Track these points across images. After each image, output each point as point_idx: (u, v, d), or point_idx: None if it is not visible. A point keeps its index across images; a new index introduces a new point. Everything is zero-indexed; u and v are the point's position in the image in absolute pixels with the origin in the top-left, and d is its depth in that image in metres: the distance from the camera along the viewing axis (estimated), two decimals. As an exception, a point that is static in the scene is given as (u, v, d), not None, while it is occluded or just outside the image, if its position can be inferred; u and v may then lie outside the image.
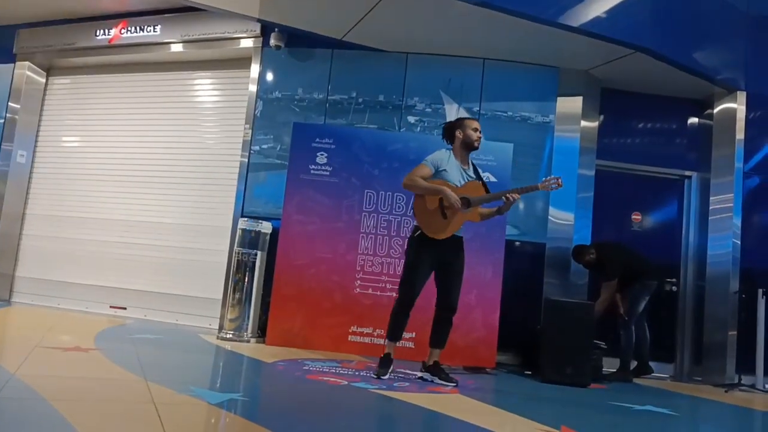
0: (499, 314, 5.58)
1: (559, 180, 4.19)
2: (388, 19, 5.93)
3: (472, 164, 4.41)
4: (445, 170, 4.21)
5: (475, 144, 4.31)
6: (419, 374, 4.38)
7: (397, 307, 4.29)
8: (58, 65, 8.26)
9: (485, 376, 5.15)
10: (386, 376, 4.20)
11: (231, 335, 5.77)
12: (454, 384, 4.19)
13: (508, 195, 4.11)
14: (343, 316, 5.60)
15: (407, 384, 4.07)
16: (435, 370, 4.30)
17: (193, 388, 3.10)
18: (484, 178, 4.46)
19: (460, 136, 4.31)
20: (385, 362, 4.27)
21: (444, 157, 4.26)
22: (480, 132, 4.34)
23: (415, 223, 4.34)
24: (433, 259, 4.24)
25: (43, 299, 7.55)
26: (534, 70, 6.50)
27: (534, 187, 4.28)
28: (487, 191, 4.28)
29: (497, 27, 5.76)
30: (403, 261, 4.46)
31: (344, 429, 2.79)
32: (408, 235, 4.65)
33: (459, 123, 4.38)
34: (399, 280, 4.47)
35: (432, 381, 4.24)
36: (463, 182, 4.25)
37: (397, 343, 4.41)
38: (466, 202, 4.15)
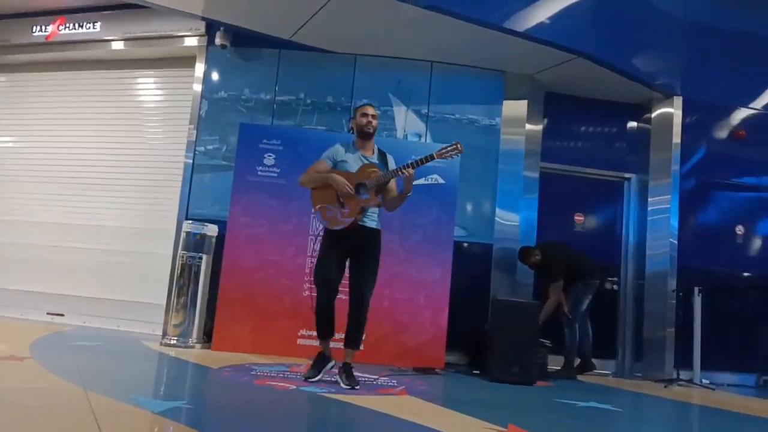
0: (447, 315, 5.62)
1: (459, 145, 4.05)
2: (337, 20, 5.92)
3: (380, 151, 4.27)
4: (343, 161, 4.12)
5: (365, 129, 4.17)
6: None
7: (316, 307, 4.10)
8: (-8, 62, 7.93)
9: (434, 376, 5.17)
10: (315, 378, 4.05)
11: (175, 341, 5.63)
12: (349, 388, 3.91)
13: (402, 171, 3.97)
14: (291, 319, 5.53)
15: (357, 387, 4.05)
16: (342, 370, 4.08)
17: (135, 397, 3.01)
18: (390, 162, 4.23)
19: (354, 125, 4.27)
20: (317, 362, 4.14)
21: (340, 149, 4.17)
22: (371, 116, 4.18)
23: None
24: (342, 252, 4.09)
25: (-26, 306, 7.21)
26: (481, 73, 6.60)
27: (430, 157, 4.01)
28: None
29: (445, 30, 5.82)
30: None
31: (292, 434, 2.76)
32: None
33: (354, 113, 4.34)
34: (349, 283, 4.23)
35: (337, 380, 4.04)
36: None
37: (329, 340, 4.19)
38: (363, 187, 4.03)
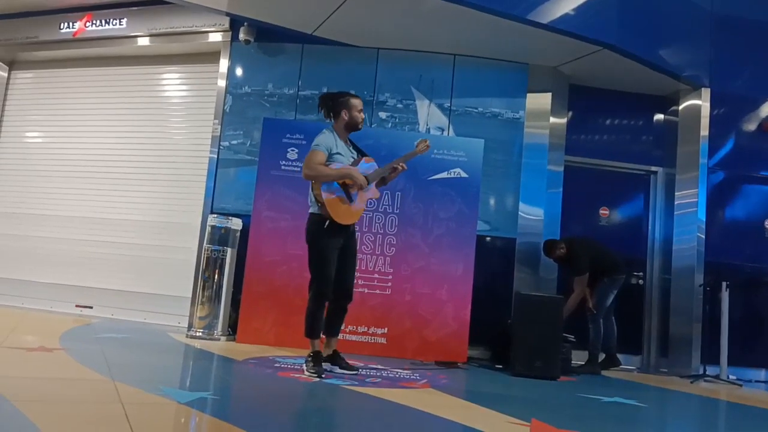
0: (470, 309, 5.62)
1: (427, 142, 4.26)
2: (359, 14, 5.92)
3: (352, 141, 4.27)
4: (338, 153, 4.04)
5: (360, 126, 4.17)
6: None
7: (315, 304, 4.04)
8: (21, 59, 8.08)
9: (457, 370, 5.17)
10: (324, 375, 3.94)
11: (201, 333, 5.71)
12: (355, 372, 4.12)
13: (398, 165, 4.14)
14: (314, 312, 5.56)
15: (379, 380, 4.07)
16: (335, 359, 4.21)
17: (162, 388, 3.05)
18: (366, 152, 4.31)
19: (346, 117, 4.12)
20: (319, 360, 4.03)
21: (332, 139, 4.06)
22: (363, 112, 4.21)
23: (311, 210, 4.06)
24: (339, 246, 4.06)
25: (6, 299, 7.36)
26: (504, 66, 6.54)
27: (414, 153, 4.22)
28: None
29: (467, 23, 5.79)
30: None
31: (316, 426, 2.78)
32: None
33: (345, 102, 4.14)
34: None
35: (332, 370, 4.12)
36: (351, 161, 4.12)
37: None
38: (366, 180, 4.06)
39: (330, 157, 4.00)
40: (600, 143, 7.04)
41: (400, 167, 4.15)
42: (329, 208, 3.96)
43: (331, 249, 4.02)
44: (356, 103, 4.16)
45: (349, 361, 4.29)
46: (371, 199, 4.28)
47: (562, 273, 6.28)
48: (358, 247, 4.39)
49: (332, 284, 4.05)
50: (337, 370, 4.16)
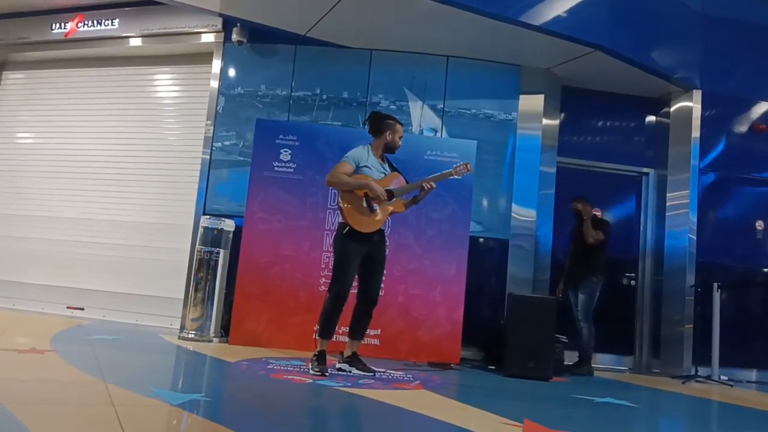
0: (463, 310, 5.62)
1: (468, 165, 4.43)
2: (352, 16, 5.92)
3: (387, 159, 4.47)
4: (366, 166, 4.26)
5: (395, 150, 4.43)
6: (337, 366, 4.37)
7: (331, 305, 4.20)
8: (13, 60, 8.03)
9: (450, 371, 5.18)
10: (328, 373, 4.10)
11: (193, 335, 5.68)
12: (372, 374, 4.26)
13: (425, 184, 4.28)
14: (307, 314, 5.54)
15: (372, 381, 4.08)
16: (353, 360, 4.38)
17: (154, 389, 3.04)
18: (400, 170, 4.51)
19: (388, 138, 4.38)
20: (323, 359, 4.16)
21: (363, 154, 4.31)
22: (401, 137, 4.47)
23: (340, 219, 4.31)
24: (361, 253, 4.24)
25: (-3, 300, 7.33)
26: (497, 68, 6.56)
27: (449, 174, 4.39)
28: (406, 181, 4.41)
29: (461, 25, 5.80)
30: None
31: (309, 427, 2.78)
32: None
33: (392, 125, 4.41)
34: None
35: (350, 372, 4.29)
36: (382, 176, 4.31)
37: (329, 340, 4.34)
38: (390, 194, 4.24)
39: (358, 169, 4.24)
40: (592, 145, 7.06)
41: (427, 186, 4.28)
42: (346, 215, 4.20)
43: (350, 254, 4.21)
44: (400, 129, 4.44)
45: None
46: (394, 212, 4.41)
47: (554, 273, 6.30)
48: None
49: (348, 288, 4.22)
50: (354, 371, 4.30)
